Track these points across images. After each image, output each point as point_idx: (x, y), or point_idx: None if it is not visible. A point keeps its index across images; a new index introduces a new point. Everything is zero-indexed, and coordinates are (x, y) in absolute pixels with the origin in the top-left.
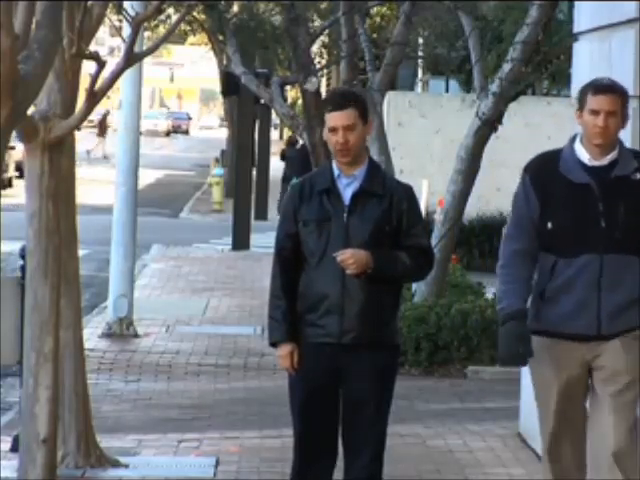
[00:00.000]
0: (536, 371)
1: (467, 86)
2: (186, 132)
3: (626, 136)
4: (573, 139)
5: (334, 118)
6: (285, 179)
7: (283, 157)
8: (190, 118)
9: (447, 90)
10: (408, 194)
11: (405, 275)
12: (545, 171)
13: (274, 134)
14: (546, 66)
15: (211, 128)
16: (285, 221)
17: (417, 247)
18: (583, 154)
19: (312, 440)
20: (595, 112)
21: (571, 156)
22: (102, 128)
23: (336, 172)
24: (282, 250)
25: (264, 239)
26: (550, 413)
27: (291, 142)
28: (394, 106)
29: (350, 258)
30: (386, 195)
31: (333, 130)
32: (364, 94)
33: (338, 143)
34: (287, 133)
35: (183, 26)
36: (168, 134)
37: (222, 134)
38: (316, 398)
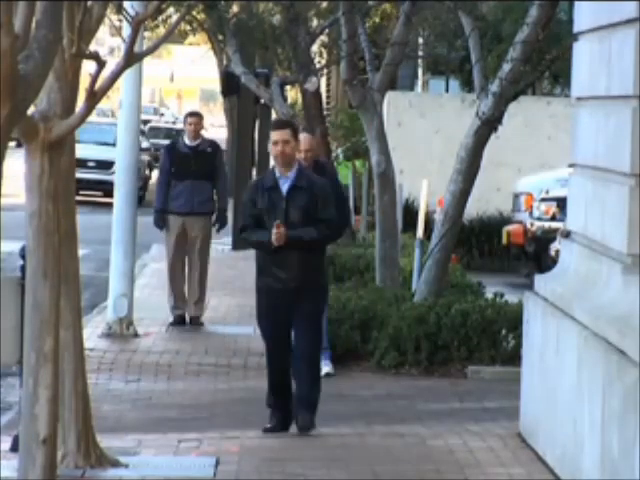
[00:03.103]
0: None
1: (467, 86)
2: None
3: (626, 137)
4: None
5: (276, 134)
6: None
7: None
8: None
9: (447, 90)
10: (323, 186)
11: (316, 240)
12: None
13: None
14: (547, 66)
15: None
16: (249, 207)
17: (325, 220)
18: None
19: (277, 344)
20: None
21: None
22: None
23: (277, 174)
24: (246, 225)
25: None
26: None
27: None
28: (394, 106)
29: (276, 234)
30: (310, 188)
31: (275, 143)
32: (364, 94)
33: (278, 152)
34: None
35: (183, 26)
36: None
37: (219, 134)
38: (277, 319)
